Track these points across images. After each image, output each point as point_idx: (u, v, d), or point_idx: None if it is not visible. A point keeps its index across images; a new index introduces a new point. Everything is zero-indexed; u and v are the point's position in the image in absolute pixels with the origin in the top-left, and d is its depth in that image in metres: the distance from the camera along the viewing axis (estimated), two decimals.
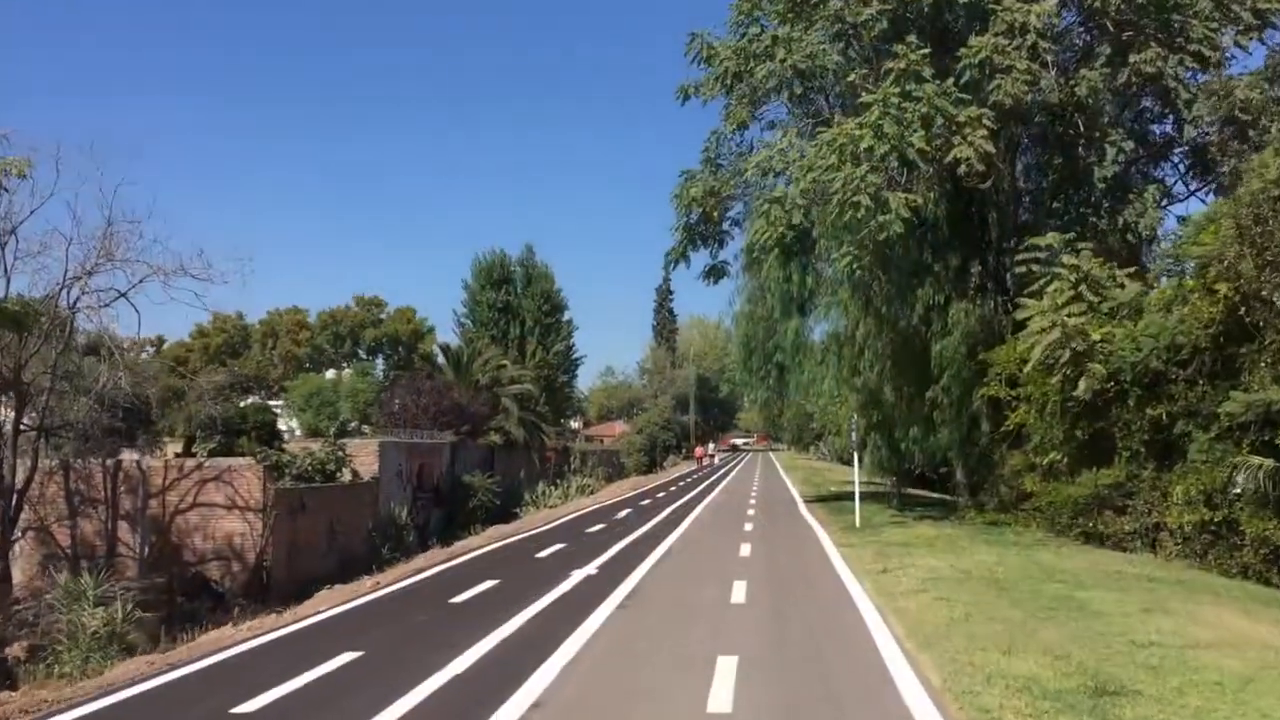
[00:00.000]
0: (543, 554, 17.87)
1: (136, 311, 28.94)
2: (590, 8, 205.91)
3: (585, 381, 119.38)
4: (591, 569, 15.44)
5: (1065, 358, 18.23)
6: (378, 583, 15.38)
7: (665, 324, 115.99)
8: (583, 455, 55.93)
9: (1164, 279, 19.32)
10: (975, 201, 25.24)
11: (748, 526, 23.00)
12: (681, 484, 46.70)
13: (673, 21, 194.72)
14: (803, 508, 29.32)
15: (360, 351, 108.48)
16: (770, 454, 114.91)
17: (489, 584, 14.04)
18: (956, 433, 24.93)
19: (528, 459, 47.76)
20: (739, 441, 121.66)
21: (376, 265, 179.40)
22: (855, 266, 20.97)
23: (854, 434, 23.25)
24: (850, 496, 33.90)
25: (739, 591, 12.99)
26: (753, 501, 32.64)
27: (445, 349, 53.79)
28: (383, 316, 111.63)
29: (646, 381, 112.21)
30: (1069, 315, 18.40)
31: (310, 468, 24.22)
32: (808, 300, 28.81)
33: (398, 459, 29.53)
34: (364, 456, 28.02)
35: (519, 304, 61.29)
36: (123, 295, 21.68)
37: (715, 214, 29.89)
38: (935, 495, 37.96)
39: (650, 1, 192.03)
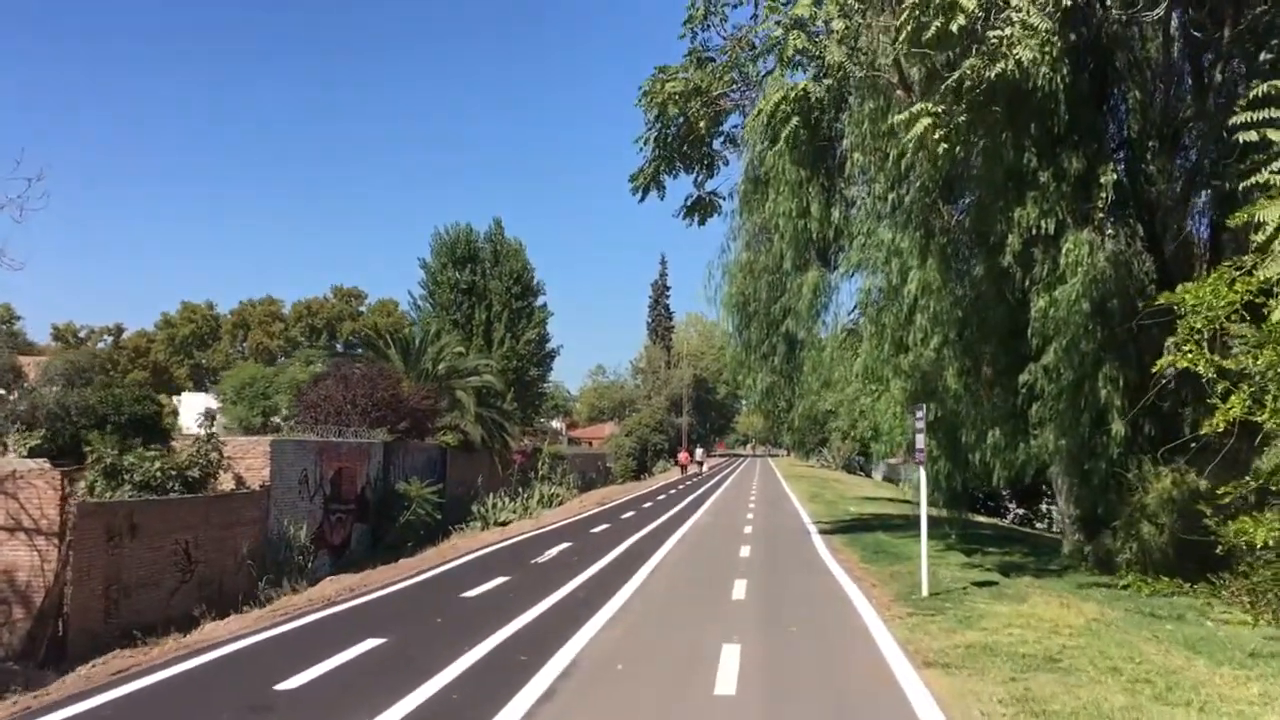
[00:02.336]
0: (305, 678, 8.21)
1: None
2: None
3: (575, 381, 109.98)
4: None
5: None
6: None
7: (661, 321, 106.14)
8: (553, 459, 46.13)
9: None
10: (1102, 75, 15.71)
11: (737, 589, 13.32)
12: (661, 498, 36.93)
13: None
14: (820, 545, 19.60)
15: (337, 345, 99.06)
16: (769, 460, 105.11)
17: None
18: (1067, 437, 15.23)
19: (490, 463, 38.65)
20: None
21: (359, 257, 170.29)
22: (938, 136, 11.33)
23: (918, 434, 13.54)
24: (881, 524, 24.26)
25: None
26: (748, 530, 22.89)
27: (392, 333, 44.60)
28: (362, 309, 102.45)
29: (640, 381, 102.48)
30: None
31: (161, 473, 16.95)
32: (833, 243, 19.26)
33: (301, 462, 21.50)
34: (251, 458, 20.00)
35: (485, 285, 51.68)
36: None
37: (702, 125, 20.35)
38: (989, 521, 28.28)
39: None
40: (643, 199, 20.45)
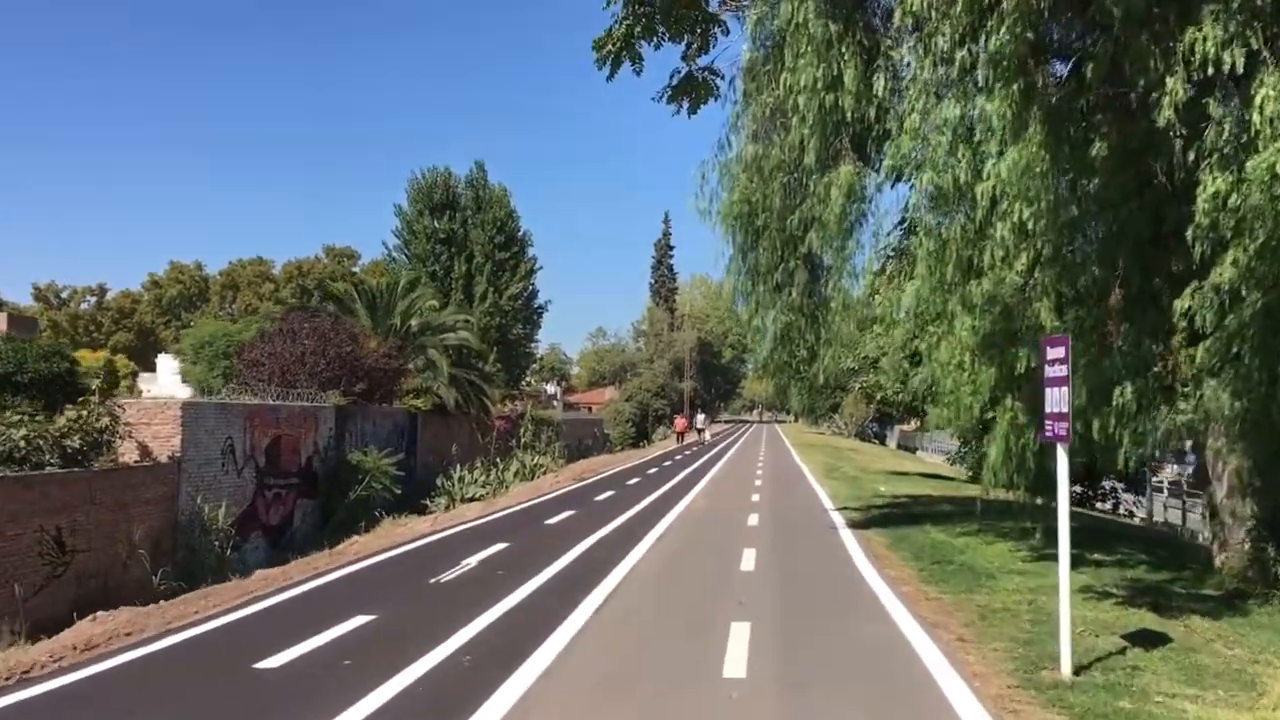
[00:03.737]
0: None
1: None
2: None
3: (574, 344, 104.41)
4: None
5: None
6: None
7: (664, 282, 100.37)
8: (538, 425, 40.56)
9: None
10: None
11: (733, 653, 7.64)
12: (653, 471, 31.31)
13: None
14: (855, 548, 13.87)
15: (329, 306, 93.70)
16: (776, 426, 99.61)
17: None
18: (1250, 396, 9.59)
19: (468, 430, 33.58)
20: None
21: (352, 216, 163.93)
22: None
23: (1051, 389, 7.66)
24: (924, 510, 18.44)
25: None
26: (753, 521, 17.21)
27: (358, 285, 39.23)
28: (355, 269, 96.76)
29: (642, 344, 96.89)
30: None
31: (26, 443, 13.71)
32: (874, 125, 13.40)
33: (225, 429, 17.72)
34: (158, 425, 16.50)
35: (466, 235, 45.95)
36: None
37: None
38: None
39: None
40: (612, 74, 14.64)
